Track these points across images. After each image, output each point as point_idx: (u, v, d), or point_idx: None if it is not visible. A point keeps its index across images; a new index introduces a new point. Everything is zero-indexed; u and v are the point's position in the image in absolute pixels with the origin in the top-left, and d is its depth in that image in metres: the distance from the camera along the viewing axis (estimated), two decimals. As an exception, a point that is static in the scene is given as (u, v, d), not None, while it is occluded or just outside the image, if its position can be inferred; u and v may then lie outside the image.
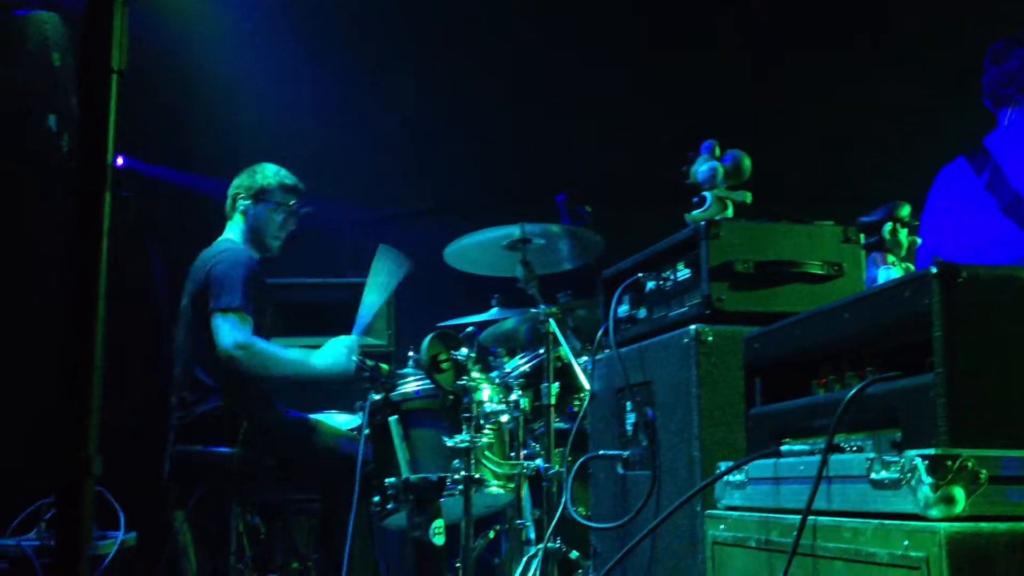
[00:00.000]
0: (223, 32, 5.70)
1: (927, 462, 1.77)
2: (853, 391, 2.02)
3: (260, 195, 4.53)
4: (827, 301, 2.89)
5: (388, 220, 6.07)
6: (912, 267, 3.12)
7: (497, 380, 4.05)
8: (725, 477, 2.46)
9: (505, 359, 4.23)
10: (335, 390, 4.96)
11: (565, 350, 3.77)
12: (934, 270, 1.85)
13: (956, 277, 1.84)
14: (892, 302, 1.98)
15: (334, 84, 5.90)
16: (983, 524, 1.72)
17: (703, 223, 2.88)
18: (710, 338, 2.78)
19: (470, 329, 4.02)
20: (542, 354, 3.88)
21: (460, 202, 6.20)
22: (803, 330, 2.36)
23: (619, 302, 3.30)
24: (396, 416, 3.90)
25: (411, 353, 4.14)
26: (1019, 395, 1.83)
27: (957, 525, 1.72)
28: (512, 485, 3.92)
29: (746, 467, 2.39)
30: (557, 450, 3.86)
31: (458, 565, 3.76)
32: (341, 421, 4.64)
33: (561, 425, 3.96)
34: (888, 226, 2.51)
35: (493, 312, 4.42)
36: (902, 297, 1.94)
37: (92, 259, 1.67)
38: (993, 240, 2.97)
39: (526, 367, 4.15)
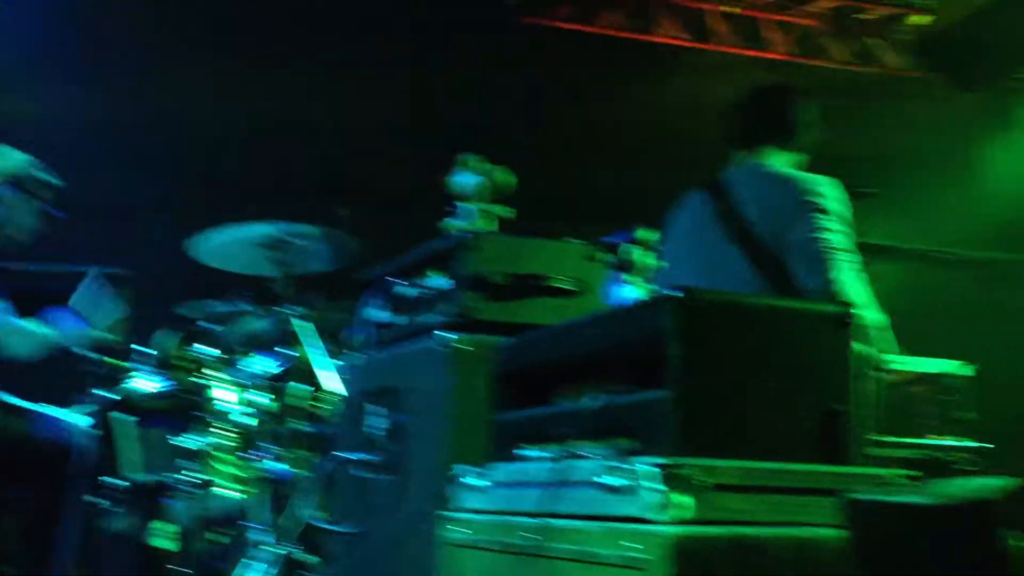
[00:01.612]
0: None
1: (656, 470, 1.89)
2: (593, 404, 2.14)
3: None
4: (573, 315, 3.07)
5: (134, 209, 5.77)
6: (652, 287, 3.32)
7: (240, 379, 3.96)
8: (463, 480, 2.53)
9: (251, 356, 4.14)
10: (57, 383, 4.65)
11: (309, 352, 3.73)
12: (672, 294, 2.00)
13: (691, 302, 2.00)
14: (633, 322, 2.11)
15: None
16: (706, 528, 1.86)
17: (464, 234, 2.95)
18: (463, 347, 2.85)
19: (213, 327, 3.90)
20: (289, 354, 3.83)
21: (212, 195, 5.98)
22: (549, 343, 2.47)
23: (374, 306, 3.32)
24: (125, 413, 3.73)
25: (142, 347, 3.97)
26: (741, 411, 2.00)
27: (682, 529, 1.85)
28: (247, 488, 3.83)
29: (484, 470, 2.47)
30: (300, 453, 3.82)
31: (186, 570, 3.64)
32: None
33: (308, 429, 3.91)
34: (630, 248, 2.66)
35: (237, 305, 4.29)
36: (642, 318, 2.07)
37: None
38: (719, 268, 3.19)
39: (272, 367, 4.08)
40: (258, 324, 4.19)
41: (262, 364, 4.07)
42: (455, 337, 2.86)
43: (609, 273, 2.67)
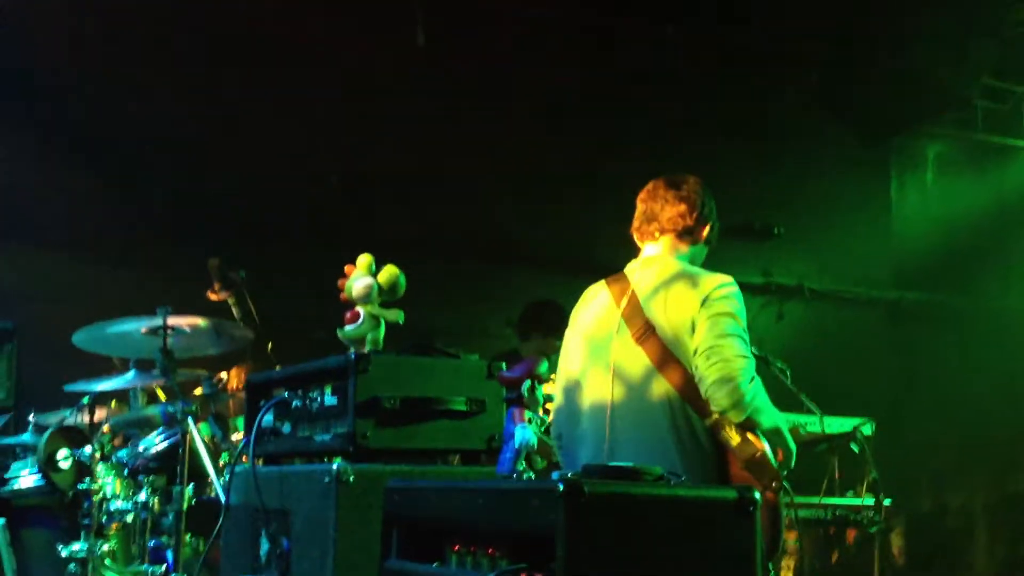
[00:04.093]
0: None
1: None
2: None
3: None
4: (470, 436, 2.98)
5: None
6: (546, 420, 3.23)
7: (125, 464, 3.78)
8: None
9: (140, 439, 3.97)
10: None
11: (198, 448, 3.57)
12: (560, 488, 1.91)
13: (580, 496, 1.90)
14: (521, 506, 2.02)
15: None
16: None
17: (353, 357, 2.83)
18: (351, 478, 2.73)
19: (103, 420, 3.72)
20: (174, 437, 3.66)
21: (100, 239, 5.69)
22: (440, 498, 2.37)
23: (265, 412, 3.19)
24: (2, 517, 3.53)
25: (31, 417, 3.77)
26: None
27: None
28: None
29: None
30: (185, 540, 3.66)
31: None
32: None
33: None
34: (527, 384, 2.57)
35: (130, 378, 4.12)
36: (530, 505, 1.98)
37: None
38: (625, 373, 3.12)
39: (159, 447, 3.91)
40: (148, 410, 4.03)
41: (146, 443, 3.90)
42: (343, 468, 2.73)
43: (507, 410, 2.57)
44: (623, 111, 6.06)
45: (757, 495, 2.03)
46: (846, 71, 6.30)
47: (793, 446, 3.06)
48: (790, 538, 4.66)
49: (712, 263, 3.29)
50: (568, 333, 3.30)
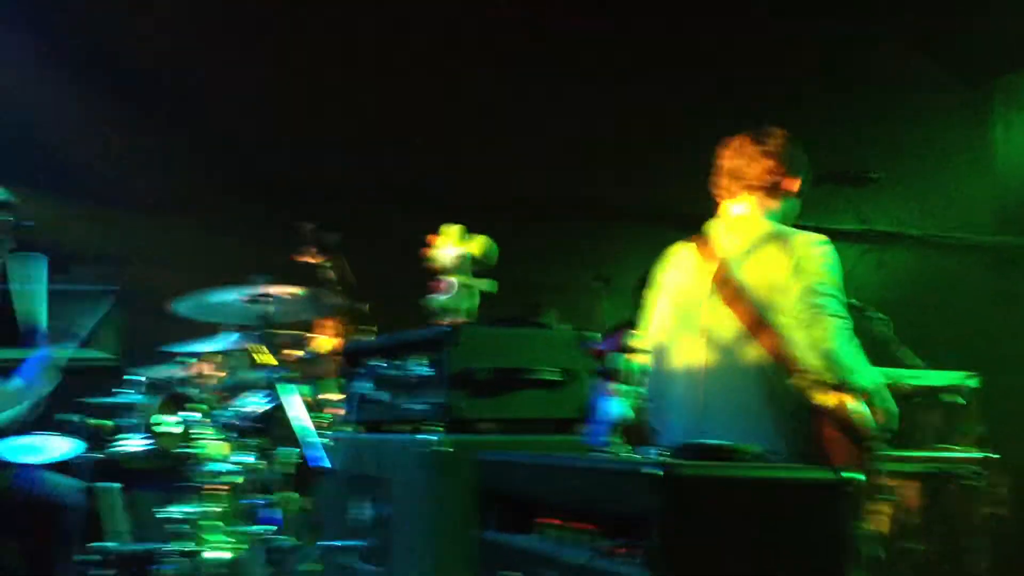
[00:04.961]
0: None
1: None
2: (575, 559, 2.07)
3: None
4: (562, 406, 2.99)
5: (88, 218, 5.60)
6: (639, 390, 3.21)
7: (229, 426, 3.89)
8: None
9: (238, 400, 4.05)
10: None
11: (291, 416, 3.66)
12: (657, 472, 1.90)
13: (676, 480, 1.90)
14: (617, 487, 2.02)
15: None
16: None
17: (447, 329, 2.86)
18: (449, 449, 2.77)
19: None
20: (276, 399, 3.75)
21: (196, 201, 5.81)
22: (533, 473, 2.40)
23: (359, 379, 3.25)
24: (109, 477, 3.68)
25: (136, 377, 3.88)
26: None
27: None
28: (239, 546, 3.78)
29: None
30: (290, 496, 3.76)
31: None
32: (54, 447, 4.30)
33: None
34: (617, 356, 2.57)
35: (231, 340, 4.21)
36: (626, 487, 1.98)
37: None
38: (713, 335, 3.09)
39: (261, 409, 4.01)
40: (248, 374, 4.12)
41: (249, 404, 4.00)
42: (439, 439, 2.78)
43: (595, 382, 2.57)
44: (709, 61, 5.94)
45: (856, 476, 2.00)
46: (945, 11, 6.06)
47: (894, 407, 2.99)
48: (889, 489, 4.60)
49: (807, 211, 3.20)
50: (654, 296, 3.26)
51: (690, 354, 3.11)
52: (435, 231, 3.19)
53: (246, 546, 3.75)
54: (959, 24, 6.04)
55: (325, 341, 4.26)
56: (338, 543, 3.10)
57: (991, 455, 4.49)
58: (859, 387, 2.87)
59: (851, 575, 2.06)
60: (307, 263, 4.37)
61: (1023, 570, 4.88)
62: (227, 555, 3.72)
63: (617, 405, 2.55)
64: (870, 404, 2.93)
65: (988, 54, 6.27)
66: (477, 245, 3.14)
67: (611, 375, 2.59)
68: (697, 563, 1.91)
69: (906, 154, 6.43)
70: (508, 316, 3.01)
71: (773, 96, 5.82)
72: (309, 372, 4.17)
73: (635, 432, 3.52)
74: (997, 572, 4.34)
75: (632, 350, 2.58)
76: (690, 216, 3.28)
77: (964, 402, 4.57)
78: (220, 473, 3.70)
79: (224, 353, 4.19)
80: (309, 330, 4.29)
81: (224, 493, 3.73)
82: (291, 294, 3.76)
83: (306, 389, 4.02)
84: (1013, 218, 6.77)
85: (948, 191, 6.66)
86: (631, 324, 2.90)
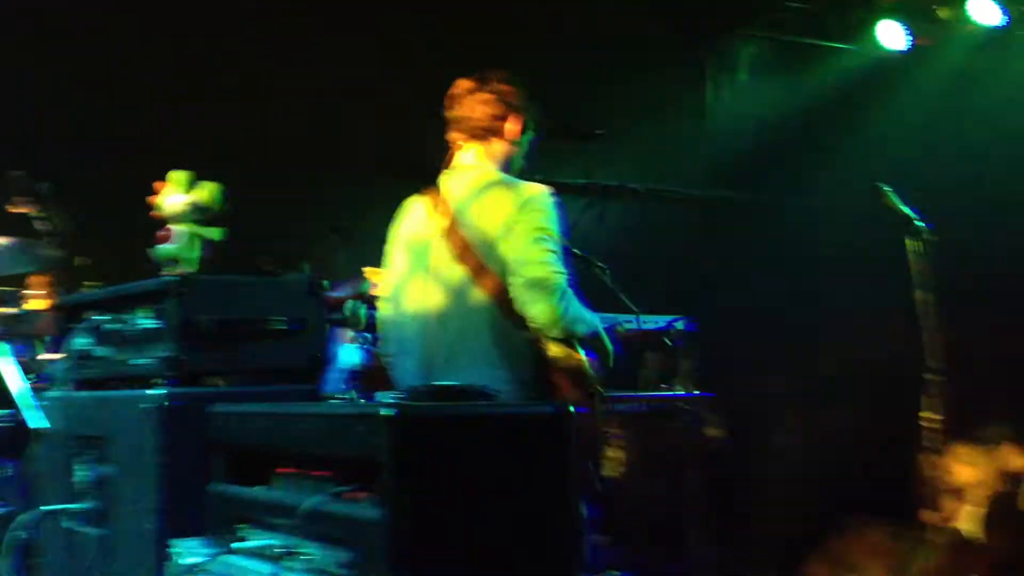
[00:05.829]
0: None
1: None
2: (308, 504, 2.06)
3: None
4: (292, 355, 2.95)
5: None
6: (368, 337, 3.20)
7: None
8: (179, 561, 2.41)
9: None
10: None
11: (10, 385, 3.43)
12: (385, 412, 1.92)
13: (404, 420, 1.93)
14: (348, 431, 2.03)
15: None
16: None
17: (172, 279, 2.75)
18: (172, 403, 2.68)
19: None
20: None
21: None
22: (267, 422, 2.36)
23: (78, 335, 3.07)
24: None
25: None
26: (460, 528, 1.97)
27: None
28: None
29: (198, 553, 2.37)
30: None
31: None
32: None
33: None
34: (351, 304, 2.57)
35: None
36: (356, 430, 1.99)
37: None
38: (449, 292, 3.13)
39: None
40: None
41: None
42: (165, 393, 2.68)
43: (333, 330, 2.56)
44: (440, 12, 5.97)
45: (571, 409, 2.10)
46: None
47: (611, 348, 3.14)
48: (614, 432, 4.86)
49: (534, 164, 3.27)
50: (389, 247, 3.27)
51: (421, 300, 3.14)
52: (163, 179, 3.06)
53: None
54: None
55: (39, 297, 4.00)
56: (60, 507, 2.93)
57: (705, 393, 4.85)
58: (579, 335, 3.00)
59: (579, 505, 2.17)
60: (18, 213, 4.08)
61: (734, 491, 5.33)
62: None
63: (352, 352, 2.55)
64: (590, 348, 3.07)
65: (703, 15, 6.64)
66: (206, 192, 3.03)
67: (346, 323, 2.59)
68: (431, 501, 1.95)
69: (628, 110, 6.72)
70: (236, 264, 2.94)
71: (500, 52, 5.92)
72: (23, 330, 3.91)
73: (374, 378, 3.54)
74: (712, 495, 4.73)
75: (367, 298, 2.59)
76: (432, 168, 3.29)
77: (679, 344, 4.90)
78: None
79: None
80: (22, 286, 4.02)
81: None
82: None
83: (4, 348, 3.75)
84: (723, 173, 7.26)
85: (665, 147, 7.03)
86: (364, 273, 2.89)
